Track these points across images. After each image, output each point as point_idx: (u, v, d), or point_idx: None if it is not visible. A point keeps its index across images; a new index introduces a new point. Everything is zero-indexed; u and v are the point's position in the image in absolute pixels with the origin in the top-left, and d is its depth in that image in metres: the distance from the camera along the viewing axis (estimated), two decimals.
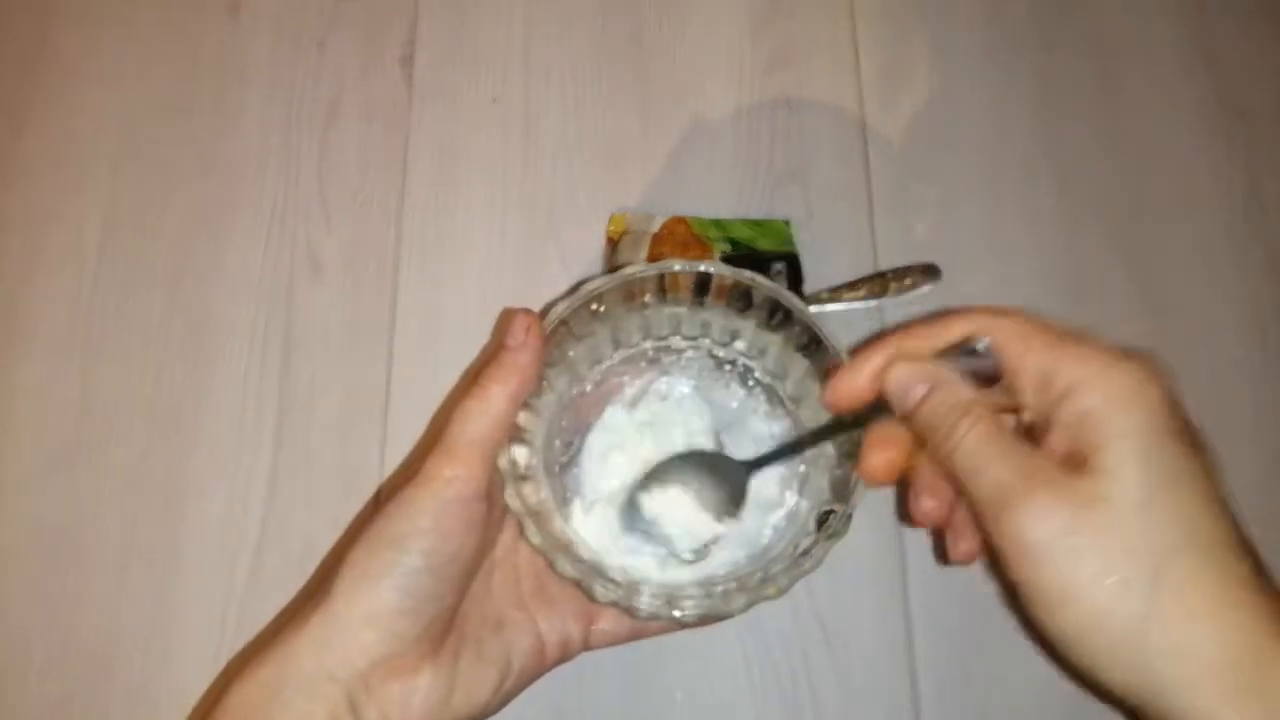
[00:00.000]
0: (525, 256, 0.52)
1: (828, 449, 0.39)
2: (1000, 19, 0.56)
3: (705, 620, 0.35)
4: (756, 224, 0.51)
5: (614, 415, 0.43)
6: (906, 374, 0.33)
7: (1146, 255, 0.52)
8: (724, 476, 0.40)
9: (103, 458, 0.49)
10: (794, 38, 0.56)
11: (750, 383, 0.43)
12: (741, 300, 0.39)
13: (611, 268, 0.50)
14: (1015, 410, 0.33)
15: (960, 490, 0.32)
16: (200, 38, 0.56)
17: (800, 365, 0.40)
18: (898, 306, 0.50)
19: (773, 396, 0.42)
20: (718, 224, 0.51)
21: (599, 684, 0.45)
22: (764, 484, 0.41)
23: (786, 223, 0.51)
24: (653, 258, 0.49)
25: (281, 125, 0.54)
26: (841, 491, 0.37)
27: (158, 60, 0.56)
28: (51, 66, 0.56)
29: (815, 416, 0.40)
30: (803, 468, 0.41)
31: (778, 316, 0.39)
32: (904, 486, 0.36)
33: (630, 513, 0.40)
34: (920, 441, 0.33)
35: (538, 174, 0.53)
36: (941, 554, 0.35)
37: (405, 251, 0.52)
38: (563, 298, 0.38)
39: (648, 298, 0.40)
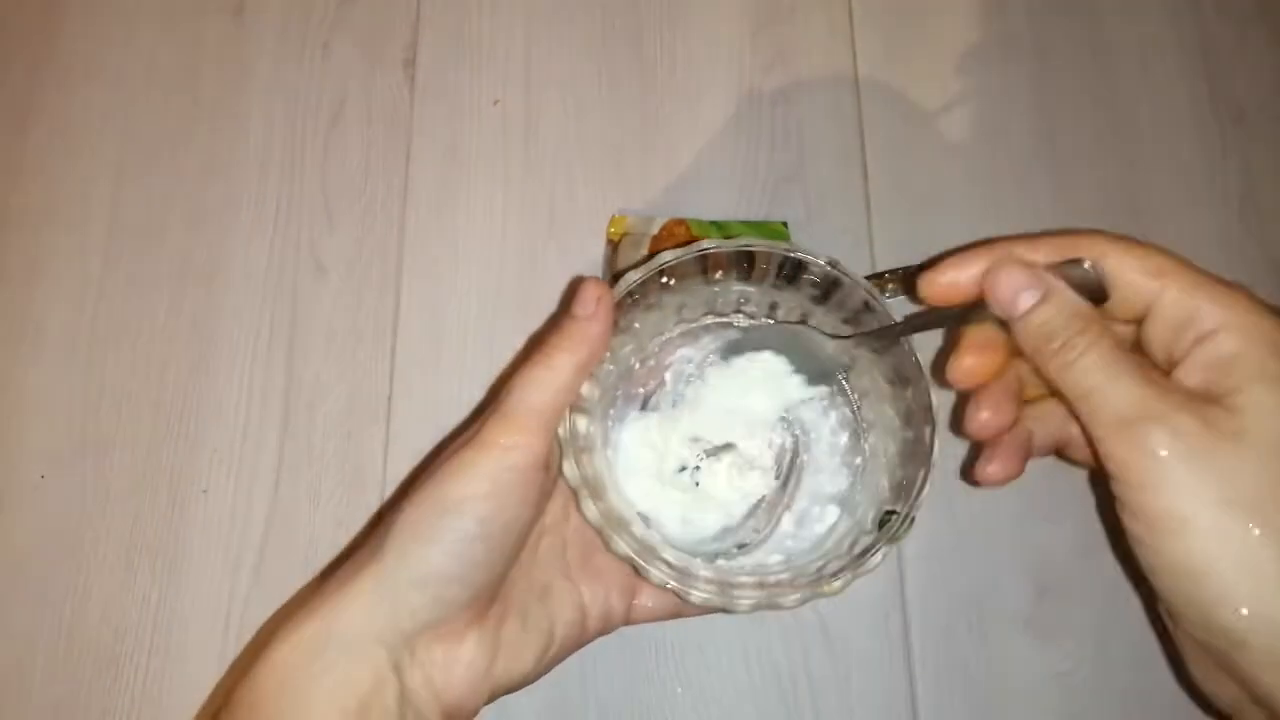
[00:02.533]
0: (526, 257, 0.52)
1: (890, 447, 0.39)
2: (998, 21, 0.57)
3: (755, 610, 0.35)
4: (755, 225, 0.51)
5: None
6: (1017, 277, 0.31)
7: None
8: (816, 347, 0.39)
9: (107, 457, 0.49)
10: (793, 38, 0.56)
11: None
12: (824, 292, 0.39)
13: (612, 270, 0.51)
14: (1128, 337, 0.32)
15: (1070, 407, 0.31)
16: (204, 39, 0.56)
17: (868, 360, 0.39)
18: (895, 307, 0.50)
19: (835, 385, 0.42)
20: (717, 225, 0.51)
21: (600, 678, 0.46)
22: (819, 477, 0.41)
23: (784, 224, 0.51)
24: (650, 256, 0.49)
25: (285, 126, 0.55)
26: (904, 493, 0.36)
27: (162, 61, 0.56)
28: (56, 66, 0.56)
29: (878, 413, 0.40)
30: (859, 460, 0.41)
31: (860, 314, 0.38)
32: (963, 396, 0.35)
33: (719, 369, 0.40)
34: (1020, 349, 0.32)
35: (539, 175, 0.54)
36: (971, 470, 0.35)
37: (407, 252, 0.52)
38: (634, 266, 0.38)
39: (719, 274, 0.39)
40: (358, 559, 0.33)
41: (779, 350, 0.40)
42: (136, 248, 0.53)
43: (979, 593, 0.47)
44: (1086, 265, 0.32)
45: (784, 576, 0.36)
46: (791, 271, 0.39)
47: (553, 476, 0.35)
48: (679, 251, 0.37)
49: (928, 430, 0.36)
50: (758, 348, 0.40)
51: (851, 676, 0.46)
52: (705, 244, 0.37)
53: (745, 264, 0.39)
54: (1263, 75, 0.56)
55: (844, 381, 0.41)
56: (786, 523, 0.41)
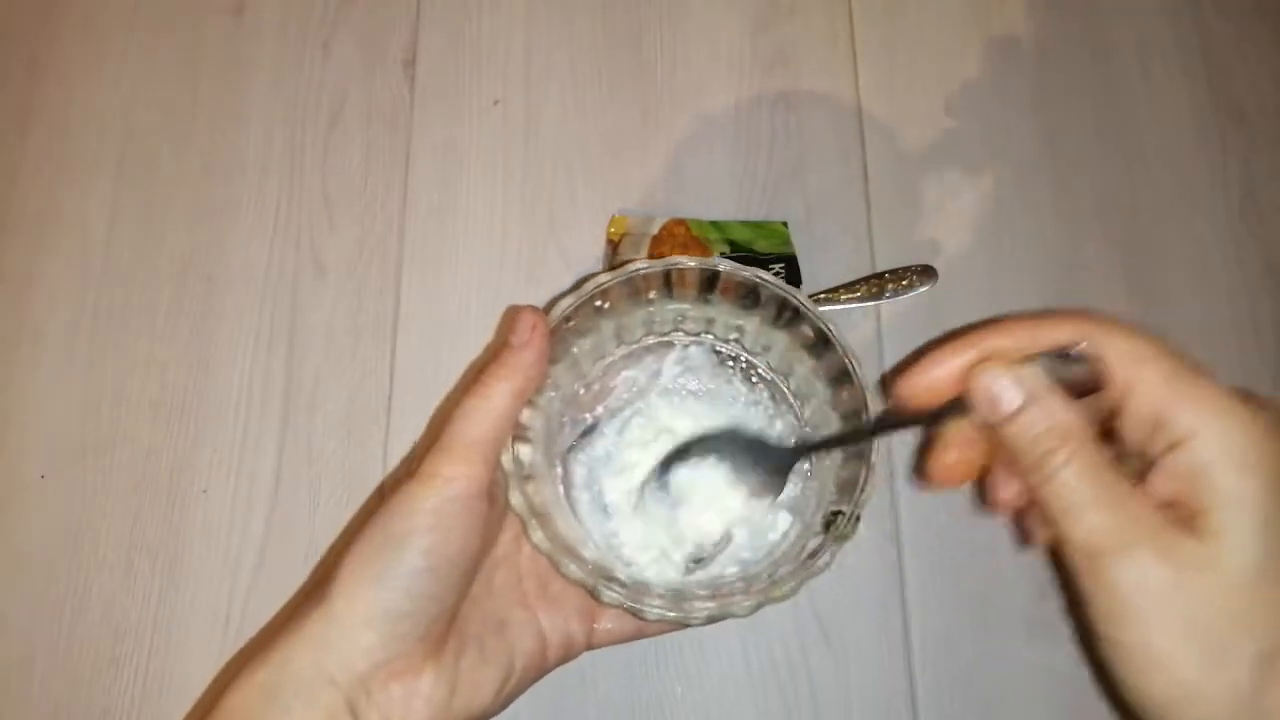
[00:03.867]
0: (526, 257, 0.52)
1: (835, 450, 0.39)
2: (998, 22, 0.57)
3: (711, 621, 0.35)
4: (755, 225, 0.51)
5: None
6: (998, 381, 0.30)
7: (1144, 257, 0.53)
8: (765, 458, 0.39)
9: (107, 457, 0.49)
10: (794, 38, 0.56)
11: (754, 379, 0.43)
12: (748, 298, 0.39)
13: (612, 269, 0.50)
14: (1111, 428, 0.30)
15: (1048, 523, 0.30)
16: (204, 39, 0.57)
17: (806, 364, 0.40)
18: (895, 307, 0.51)
19: (777, 393, 0.42)
20: (716, 225, 0.51)
21: (600, 677, 0.46)
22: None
23: (784, 224, 0.51)
24: (653, 259, 0.49)
25: (285, 126, 0.55)
26: (848, 492, 0.36)
27: (162, 61, 0.56)
28: (57, 66, 0.56)
29: (820, 415, 0.40)
30: (808, 466, 0.41)
31: (785, 315, 0.39)
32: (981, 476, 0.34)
33: (655, 486, 0.40)
34: (1000, 449, 0.31)
35: (539, 175, 0.54)
36: (1022, 537, 0.34)
37: (407, 252, 0.53)
38: (567, 293, 0.38)
39: (653, 294, 0.40)
40: (311, 601, 0.33)
41: (723, 459, 0.40)
42: (136, 247, 0.53)
43: (979, 593, 0.47)
44: (1077, 350, 0.30)
45: (737, 585, 0.37)
46: (711, 283, 0.39)
47: (499, 508, 0.36)
48: (610, 275, 0.38)
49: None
50: (705, 455, 0.40)
51: (851, 676, 0.46)
52: (636, 265, 0.38)
53: (669, 282, 0.39)
54: (1263, 75, 0.56)
55: (784, 388, 0.42)
56: (740, 534, 0.40)
